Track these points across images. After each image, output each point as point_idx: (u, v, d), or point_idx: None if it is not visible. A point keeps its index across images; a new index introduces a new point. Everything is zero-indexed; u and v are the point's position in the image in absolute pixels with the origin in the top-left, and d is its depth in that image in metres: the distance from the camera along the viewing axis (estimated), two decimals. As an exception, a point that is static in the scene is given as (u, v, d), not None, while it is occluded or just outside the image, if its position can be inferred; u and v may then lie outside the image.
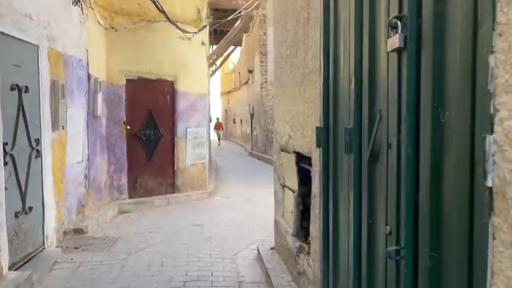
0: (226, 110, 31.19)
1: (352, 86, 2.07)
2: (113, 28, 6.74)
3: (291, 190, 3.86)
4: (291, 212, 3.82)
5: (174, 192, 7.70)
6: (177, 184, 7.74)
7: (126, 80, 7.02)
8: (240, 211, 6.99)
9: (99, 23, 6.45)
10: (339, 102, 2.42)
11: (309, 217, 3.27)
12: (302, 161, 3.51)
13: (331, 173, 2.54)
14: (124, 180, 7.04)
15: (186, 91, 7.77)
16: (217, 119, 31.70)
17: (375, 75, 1.87)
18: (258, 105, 17.28)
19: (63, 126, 4.89)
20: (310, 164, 3.13)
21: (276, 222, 4.58)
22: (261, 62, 16.79)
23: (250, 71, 18.73)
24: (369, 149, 1.90)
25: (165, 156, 7.60)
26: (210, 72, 13.29)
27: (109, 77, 6.79)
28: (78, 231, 5.18)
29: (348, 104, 2.21)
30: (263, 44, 16.75)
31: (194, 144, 8.05)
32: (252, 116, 19.17)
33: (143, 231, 5.56)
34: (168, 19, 6.84)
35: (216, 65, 14.19)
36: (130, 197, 7.15)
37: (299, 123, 3.56)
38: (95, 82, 6.08)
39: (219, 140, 29.68)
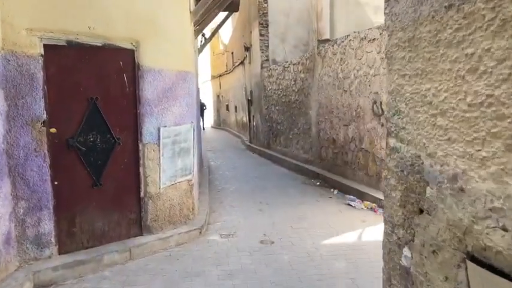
0: (218, 96, 28.01)
1: None
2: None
3: None
4: None
5: (140, 234, 4.70)
6: (146, 220, 4.73)
7: (45, 46, 3.92)
8: (261, 273, 4.01)
9: None
10: None
11: None
12: None
13: None
14: (48, 225, 4.00)
15: (157, 67, 4.70)
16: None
17: None
18: (259, 89, 14.20)
19: None
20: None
21: None
22: (261, 35, 13.64)
23: (247, 48, 15.56)
24: None
25: (124, 176, 4.57)
26: (198, 46, 10.12)
27: (6, 41, 3.69)
28: None
29: None
30: (263, 13, 13.58)
31: (174, 153, 5.02)
32: (250, 102, 16.08)
33: None
34: None
35: (204, 36, 11.01)
36: (61, 251, 4.13)
37: None
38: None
39: (202, 124, 26.90)
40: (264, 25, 13.62)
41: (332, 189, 7.64)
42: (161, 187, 4.84)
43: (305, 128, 10.02)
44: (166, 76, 4.83)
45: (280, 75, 11.73)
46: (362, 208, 6.33)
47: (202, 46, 10.50)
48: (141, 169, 4.67)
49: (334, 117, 8.25)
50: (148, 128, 4.67)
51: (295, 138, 10.75)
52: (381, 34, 6.46)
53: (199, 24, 7.46)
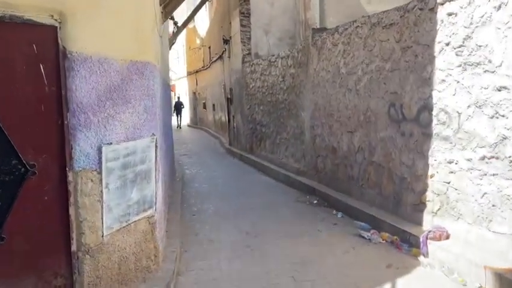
0: (194, 93, 26.27)
1: None
2: None
3: None
4: None
5: (72, 309, 3.10)
6: (82, 286, 3.13)
7: None
8: None
9: None
10: None
11: None
12: None
13: None
14: None
15: (96, 54, 3.09)
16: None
17: None
18: (240, 87, 12.64)
19: None
20: None
21: None
22: (243, 26, 12.07)
23: (226, 41, 13.96)
24: None
25: (42, 223, 2.95)
26: (170, 34, 8.48)
27: None
28: None
29: None
30: (244, 1, 12.00)
31: (125, 181, 3.42)
32: (229, 100, 14.50)
33: None
34: None
35: (176, 25, 9.39)
36: None
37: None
38: None
39: (179, 122, 25.62)
40: (246, 14, 12.06)
41: (335, 212, 6.18)
42: (105, 234, 3.25)
43: (296, 132, 8.54)
44: (111, 68, 3.23)
45: (266, 71, 10.21)
46: (380, 241, 4.89)
47: (175, 35, 8.86)
48: (71, 210, 3.07)
49: (335, 121, 6.79)
50: (82, 147, 3.07)
51: (284, 144, 9.26)
52: (401, 17, 5.01)
53: (167, 5, 5.86)
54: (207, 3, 19.69)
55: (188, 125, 28.06)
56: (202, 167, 10.92)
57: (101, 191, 3.19)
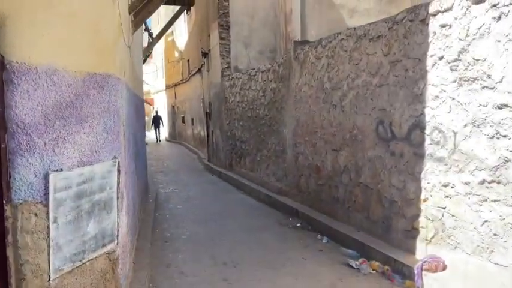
0: (173, 106, 25.70)
1: None
2: None
3: None
4: None
5: None
6: None
7: None
8: None
9: None
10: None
11: None
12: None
13: None
14: None
15: (43, 65, 2.61)
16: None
17: None
18: (219, 101, 12.21)
19: None
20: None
21: None
22: (222, 38, 11.70)
23: (205, 54, 13.57)
24: None
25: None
26: (144, 45, 8.01)
27: None
28: None
29: None
30: (224, 13, 11.66)
31: (79, 213, 2.91)
32: (208, 115, 14.04)
33: None
34: None
35: (151, 35, 8.92)
36: None
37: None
38: None
39: (158, 136, 25.47)
40: (225, 27, 11.70)
41: (319, 236, 5.75)
42: (52, 278, 2.72)
43: (277, 149, 8.13)
44: (63, 82, 2.74)
45: (245, 85, 9.82)
46: (370, 272, 4.47)
47: (150, 46, 8.39)
48: (9, 251, 2.54)
49: (319, 138, 6.41)
50: (23, 175, 2.56)
51: (265, 162, 8.83)
52: (390, 29, 4.70)
53: (137, 14, 5.42)
54: (186, 16, 19.35)
55: (167, 140, 27.41)
56: (179, 186, 10.36)
57: (48, 227, 2.67)
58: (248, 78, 9.63)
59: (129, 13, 4.83)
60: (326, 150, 6.22)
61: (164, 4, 7.49)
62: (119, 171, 3.36)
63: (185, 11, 18.78)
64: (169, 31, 25.64)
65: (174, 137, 26.13)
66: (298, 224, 6.37)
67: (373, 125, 5.07)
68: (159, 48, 30.32)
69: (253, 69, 9.60)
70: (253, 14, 11.98)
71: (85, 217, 2.98)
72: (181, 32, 21.56)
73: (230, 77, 11.11)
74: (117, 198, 3.36)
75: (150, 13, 5.57)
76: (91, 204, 3.04)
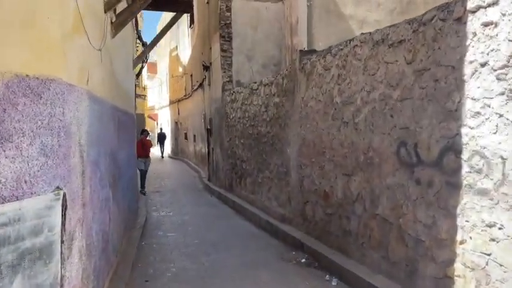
0: (176, 123, 25.05)
1: None
2: None
3: None
4: None
5: None
6: None
7: None
8: None
9: None
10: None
11: None
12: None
13: None
14: None
15: None
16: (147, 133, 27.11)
17: None
18: (220, 117, 11.45)
19: None
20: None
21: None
22: (223, 51, 11.01)
23: (206, 67, 12.90)
24: None
25: None
26: (134, 55, 7.29)
27: None
28: None
29: None
30: (226, 24, 11.00)
31: (-1, 267, 2.09)
32: (209, 132, 13.28)
33: None
34: None
35: (142, 43, 8.22)
36: None
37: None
38: None
39: (162, 152, 26.19)
40: (227, 38, 11.03)
41: (328, 277, 4.86)
42: None
43: (280, 171, 7.29)
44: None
45: (247, 100, 9.06)
46: (391, 331, 3.57)
47: (141, 55, 7.66)
48: None
49: (327, 160, 5.58)
50: None
51: (267, 184, 7.98)
52: (414, 32, 3.90)
53: (119, 15, 4.69)
54: (189, 29, 18.80)
55: (169, 156, 26.72)
56: (174, 208, 9.51)
57: None
58: (250, 93, 8.87)
59: (105, 11, 4.09)
60: (336, 174, 5.37)
61: (157, 10, 6.84)
62: (64, 206, 2.54)
63: (188, 24, 18.20)
64: (173, 46, 25.27)
65: (176, 153, 25.42)
66: (303, 260, 5.48)
67: (393, 147, 4.23)
68: (164, 63, 29.92)
69: (255, 82, 8.85)
70: (257, 25, 11.31)
71: (7, 273, 2.16)
72: (185, 46, 21.03)
73: (231, 92, 10.36)
74: (62, 242, 2.54)
75: (134, 14, 4.84)
76: (17, 255, 2.22)
